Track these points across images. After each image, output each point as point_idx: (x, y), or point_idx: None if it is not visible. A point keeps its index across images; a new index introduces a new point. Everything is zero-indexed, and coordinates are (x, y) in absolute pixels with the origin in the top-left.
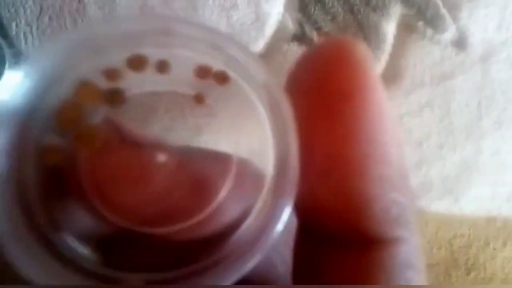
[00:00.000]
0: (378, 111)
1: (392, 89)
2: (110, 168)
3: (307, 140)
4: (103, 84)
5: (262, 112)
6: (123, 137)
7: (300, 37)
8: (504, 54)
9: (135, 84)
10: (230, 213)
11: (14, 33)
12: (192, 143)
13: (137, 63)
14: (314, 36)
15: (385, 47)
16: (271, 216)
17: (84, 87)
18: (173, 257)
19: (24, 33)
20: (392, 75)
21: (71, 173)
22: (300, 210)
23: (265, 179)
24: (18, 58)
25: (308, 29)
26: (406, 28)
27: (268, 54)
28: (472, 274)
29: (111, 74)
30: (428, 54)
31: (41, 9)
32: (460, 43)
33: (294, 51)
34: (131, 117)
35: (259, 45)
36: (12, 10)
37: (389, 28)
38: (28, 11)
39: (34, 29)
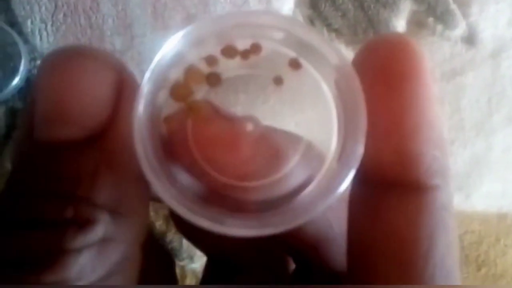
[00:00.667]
0: (429, 90)
1: None
2: (210, 135)
3: (372, 109)
4: (205, 68)
5: (329, 93)
6: (219, 112)
7: None
8: None
9: (227, 68)
10: (296, 179)
11: (29, 30)
12: (270, 122)
13: (229, 51)
14: (325, 32)
15: None
16: (340, 175)
17: (191, 70)
18: (254, 206)
19: (39, 30)
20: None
21: (180, 139)
22: (363, 165)
23: (327, 153)
24: (33, 54)
25: (318, 25)
26: (416, 24)
27: None
28: (483, 270)
29: (210, 60)
30: (438, 50)
31: (56, 6)
32: (470, 39)
33: None
34: (225, 96)
35: None
36: (28, 7)
37: (399, 25)
38: (43, 8)
39: (49, 26)
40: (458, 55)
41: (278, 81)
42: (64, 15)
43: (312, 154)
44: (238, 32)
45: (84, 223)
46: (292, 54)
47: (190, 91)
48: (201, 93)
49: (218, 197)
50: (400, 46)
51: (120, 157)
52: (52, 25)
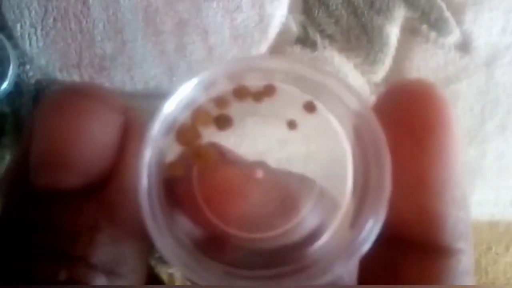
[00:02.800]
0: (455, 143)
1: None
2: (217, 182)
3: (394, 161)
4: (214, 110)
5: (345, 139)
6: (228, 157)
7: (303, 40)
8: (508, 58)
9: (238, 111)
10: (308, 227)
11: (18, 34)
12: (283, 165)
13: (240, 93)
14: (318, 39)
15: (388, 50)
16: (360, 234)
17: (199, 112)
18: (263, 259)
19: (29, 35)
20: (395, 78)
21: (185, 185)
22: (383, 221)
23: (342, 203)
24: (22, 58)
25: (311, 31)
26: (410, 31)
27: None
28: (474, 278)
29: (220, 102)
30: (432, 57)
31: (46, 10)
32: (464, 46)
33: (297, 54)
34: (235, 140)
35: (262, 48)
36: (17, 11)
37: (393, 31)
38: (33, 12)
39: (38, 30)
40: (451, 62)
41: (291, 125)
42: (54, 19)
43: (326, 200)
44: (251, 74)
45: (78, 286)
46: (307, 96)
47: (197, 135)
48: (209, 136)
49: (224, 249)
50: (425, 93)
51: (121, 211)
52: (42, 30)
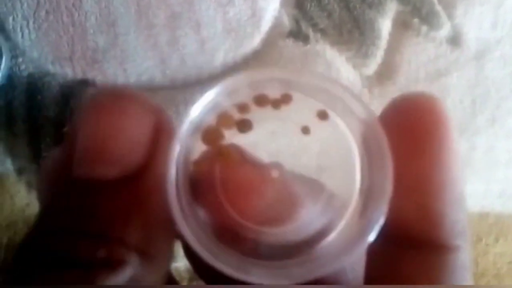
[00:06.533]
0: (453, 151)
1: (387, 85)
2: (237, 179)
3: (398, 166)
4: (236, 115)
5: (354, 144)
6: (247, 157)
7: (296, 34)
8: (498, 52)
9: (258, 116)
10: (317, 227)
11: (11, 27)
12: (297, 168)
13: (260, 100)
14: (310, 32)
15: (380, 43)
16: (364, 228)
17: (223, 115)
18: (273, 251)
19: (21, 27)
20: (387, 72)
21: (208, 181)
22: (386, 219)
23: (349, 204)
24: (15, 51)
25: (304, 25)
26: (401, 25)
27: (264, 50)
28: None
29: (242, 107)
30: (423, 51)
31: (38, 3)
32: (455, 40)
33: (290, 47)
34: (254, 142)
35: (255, 41)
36: (9, 4)
37: (385, 25)
38: (25, 5)
39: (31, 23)
40: (442, 56)
41: (305, 130)
42: (47, 12)
43: (334, 203)
44: (270, 83)
45: (115, 264)
46: (320, 105)
47: (221, 136)
48: (231, 138)
49: (240, 241)
50: (427, 106)
51: (152, 199)
52: (34, 22)
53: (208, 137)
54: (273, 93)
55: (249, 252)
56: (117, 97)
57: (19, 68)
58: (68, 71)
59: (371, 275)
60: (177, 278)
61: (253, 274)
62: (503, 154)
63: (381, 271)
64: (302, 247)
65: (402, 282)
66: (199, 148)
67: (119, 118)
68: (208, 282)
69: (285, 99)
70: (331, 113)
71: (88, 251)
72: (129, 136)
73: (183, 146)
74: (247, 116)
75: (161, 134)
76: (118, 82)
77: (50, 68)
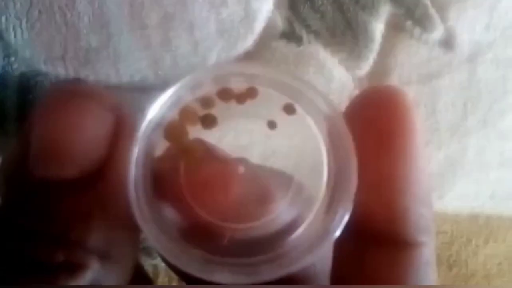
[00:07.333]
0: (417, 146)
1: None
2: (202, 176)
3: (362, 162)
4: (200, 110)
5: (320, 139)
6: (213, 153)
7: (289, 35)
8: (491, 55)
9: (223, 111)
10: (285, 220)
11: (3, 26)
12: (263, 162)
13: (224, 94)
14: (303, 34)
15: (373, 45)
16: (331, 223)
17: (186, 111)
18: (242, 248)
19: (14, 27)
20: (380, 74)
21: (172, 178)
22: (351, 215)
23: (316, 198)
24: (7, 51)
25: (297, 27)
26: (394, 27)
27: (257, 51)
28: (454, 270)
29: (206, 102)
30: (416, 53)
31: (31, 3)
32: (447, 43)
33: (283, 49)
34: (219, 137)
35: (247, 42)
36: (2, 3)
37: (378, 27)
38: (18, 4)
39: (23, 22)
40: (435, 58)
41: (272, 125)
42: (39, 12)
43: (302, 196)
44: (235, 77)
45: (74, 268)
46: (286, 99)
47: (185, 132)
48: (195, 134)
49: (207, 239)
50: (391, 99)
51: (114, 200)
52: (27, 22)
53: (171, 133)
54: (238, 87)
55: (217, 250)
56: (73, 93)
57: (11, 67)
58: (60, 71)
59: (337, 270)
60: (167, 277)
61: (217, 273)
62: (495, 156)
63: (347, 267)
64: (272, 242)
65: (366, 277)
66: (164, 144)
67: (74, 116)
68: (188, 281)
69: (251, 93)
70: (297, 107)
71: (46, 254)
72: (85, 134)
73: (145, 144)
74: (211, 111)
75: (121, 131)
76: (110, 82)
77: (43, 67)
